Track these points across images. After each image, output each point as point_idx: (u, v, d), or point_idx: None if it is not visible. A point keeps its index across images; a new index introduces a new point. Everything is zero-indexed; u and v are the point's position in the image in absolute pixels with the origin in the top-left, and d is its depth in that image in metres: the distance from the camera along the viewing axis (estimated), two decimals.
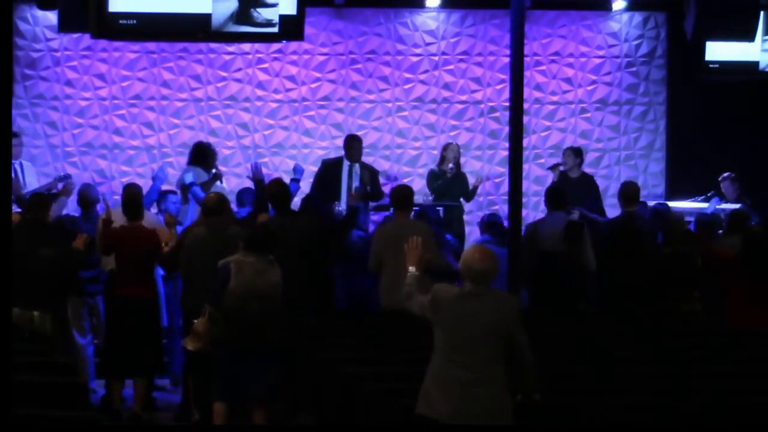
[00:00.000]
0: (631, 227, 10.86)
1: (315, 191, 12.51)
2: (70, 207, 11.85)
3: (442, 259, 9.92)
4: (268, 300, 8.58)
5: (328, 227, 10.44)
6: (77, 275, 9.95)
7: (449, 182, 13.05)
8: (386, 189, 12.89)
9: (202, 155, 12.31)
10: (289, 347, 8.94)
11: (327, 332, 9.17)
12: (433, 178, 13.17)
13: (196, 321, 8.65)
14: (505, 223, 10.70)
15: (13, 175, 12.30)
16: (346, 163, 12.89)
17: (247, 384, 8.60)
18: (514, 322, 6.53)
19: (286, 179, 11.34)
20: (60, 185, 11.89)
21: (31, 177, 12.45)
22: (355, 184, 12.72)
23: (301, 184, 12.10)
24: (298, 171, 12.04)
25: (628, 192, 11.13)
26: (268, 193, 10.31)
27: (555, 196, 11.17)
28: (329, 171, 12.85)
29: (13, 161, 12.21)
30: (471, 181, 13.34)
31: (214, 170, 12.26)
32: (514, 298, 6.78)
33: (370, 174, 12.96)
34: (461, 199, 13.24)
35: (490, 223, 11.27)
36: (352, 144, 13.02)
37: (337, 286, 10.82)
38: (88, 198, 11.06)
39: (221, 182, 12.30)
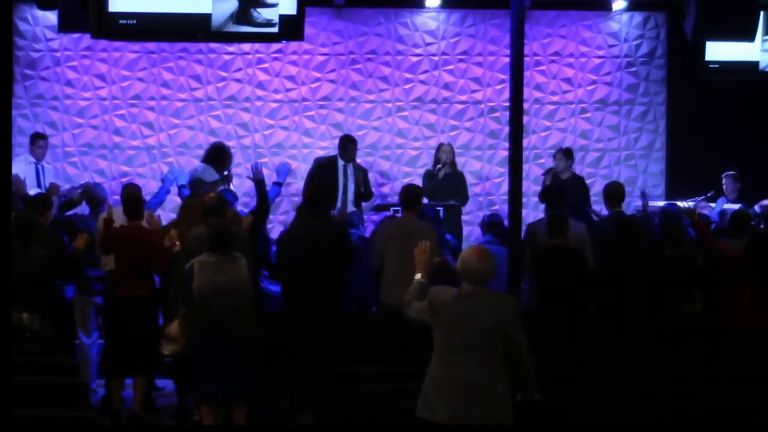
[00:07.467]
0: (628, 227, 10.82)
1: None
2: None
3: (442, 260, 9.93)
4: (233, 295, 8.65)
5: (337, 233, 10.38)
6: (73, 274, 9.94)
7: (440, 183, 13.05)
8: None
9: (216, 155, 12.26)
10: (267, 343, 9.01)
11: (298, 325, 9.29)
12: (426, 179, 13.18)
13: (168, 326, 8.88)
14: (506, 223, 10.68)
15: (33, 174, 12.47)
16: (341, 163, 12.87)
17: (223, 381, 8.64)
18: (512, 323, 6.51)
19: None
20: (75, 194, 11.86)
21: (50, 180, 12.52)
22: (351, 184, 12.71)
23: (294, 183, 11.97)
24: (282, 173, 11.74)
25: (616, 192, 11.09)
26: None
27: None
28: (324, 170, 12.79)
29: (35, 163, 12.53)
30: (469, 179, 13.31)
31: (226, 172, 12.21)
32: (513, 299, 6.76)
33: (363, 174, 12.97)
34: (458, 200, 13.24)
35: (491, 224, 11.25)
36: (348, 145, 12.99)
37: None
38: (95, 197, 11.04)
39: (229, 185, 12.18)
